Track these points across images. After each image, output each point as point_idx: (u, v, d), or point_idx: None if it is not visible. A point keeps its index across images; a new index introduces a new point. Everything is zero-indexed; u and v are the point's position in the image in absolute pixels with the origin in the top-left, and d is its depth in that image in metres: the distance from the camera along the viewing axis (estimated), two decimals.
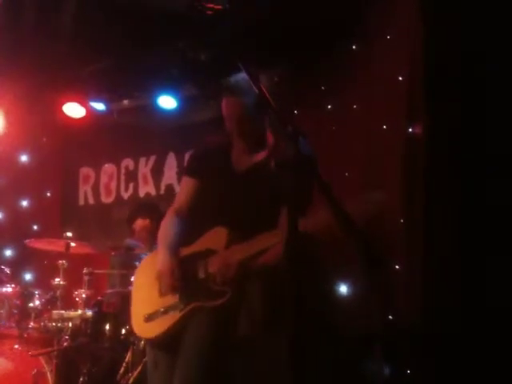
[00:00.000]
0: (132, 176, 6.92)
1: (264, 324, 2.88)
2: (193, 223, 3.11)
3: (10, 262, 6.36)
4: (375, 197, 2.69)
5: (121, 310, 4.74)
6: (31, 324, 4.80)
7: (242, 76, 2.96)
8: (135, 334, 3.27)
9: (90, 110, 6.57)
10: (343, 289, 4.75)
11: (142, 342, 4.42)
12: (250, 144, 3.06)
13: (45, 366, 4.63)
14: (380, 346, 4.19)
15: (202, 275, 2.93)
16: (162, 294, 3.01)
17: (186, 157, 5.92)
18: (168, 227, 3.11)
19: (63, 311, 4.78)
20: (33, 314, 4.83)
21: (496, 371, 3.45)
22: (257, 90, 2.20)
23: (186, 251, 3.01)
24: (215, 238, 2.95)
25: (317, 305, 4.34)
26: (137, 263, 4.74)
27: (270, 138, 3.09)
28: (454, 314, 3.68)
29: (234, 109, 2.99)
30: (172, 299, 2.98)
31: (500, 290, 3.52)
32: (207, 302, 2.89)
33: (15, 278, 5.42)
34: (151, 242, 5.07)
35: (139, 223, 5.32)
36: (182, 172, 3.38)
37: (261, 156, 3.06)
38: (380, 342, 4.20)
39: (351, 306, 4.64)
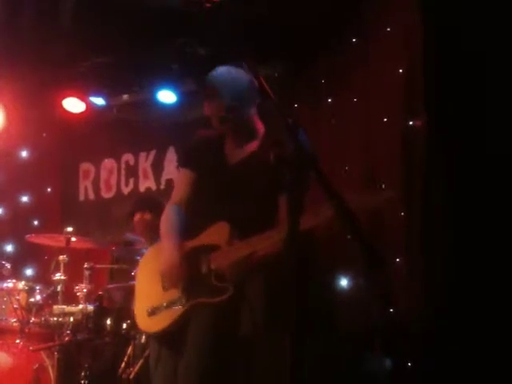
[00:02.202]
0: (132, 171, 6.91)
1: (265, 322, 2.88)
2: (193, 217, 3.11)
3: (11, 258, 6.36)
4: (380, 194, 2.69)
5: (121, 305, 4.75)
6: (32, 319, 4.80)
7: (218, 73, 2.99)
8: (137, 328, 3.28)
9: (89, 105, 6.56)
10: (344, 284, 4.76)
11: (143, 337, 4.43)
12: (240, 136, 3.07)
13: (46, 360, 4.64)
14: (380, 341, 4.20)
15: (204, 270, 2.93)
16: (165, 288, 3.02)
17: None
18: (170, 218, 3.11)
19: (64, 306, 4.78)
20: (34, 309, 4.84)
21: (495, 366, 3.46)
22: (257, 84, 2.21)
23: (188, 245, 3.01)
24: (218, 233, 2.95)
25: (317, 301, 4.34)
26: (137, 258, 4.74)
27: (260, 126, 3.10)
28: (454, 308, 3.68)
29: (213, 109, 3.01)
30: (175, 294, 2.98)
31: (500, 284, 3.52)
32: (209, 299, 2.89)
33: (16, 273, 5.42)
34: (151, 236, 5.06)
35: (139, 217, 5.31)
36: (179, 162, 3.39)
37: (252, 146, 3.06)
38: (380, 338, 4.21)
39: (352, 302, 4.64)
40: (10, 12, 5.11)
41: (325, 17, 4.92)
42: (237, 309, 2.91)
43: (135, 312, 3.15)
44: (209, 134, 3.20)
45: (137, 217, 5.31)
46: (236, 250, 2.87)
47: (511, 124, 3.57)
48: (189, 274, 2.94)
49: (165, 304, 2.99)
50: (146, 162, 6.85)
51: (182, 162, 3.25)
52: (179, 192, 3.17)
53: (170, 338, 3.00)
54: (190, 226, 3.08)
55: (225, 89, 2.95)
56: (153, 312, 3.03)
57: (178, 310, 2.95)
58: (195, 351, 2.88)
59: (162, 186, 6.66)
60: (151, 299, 3.05)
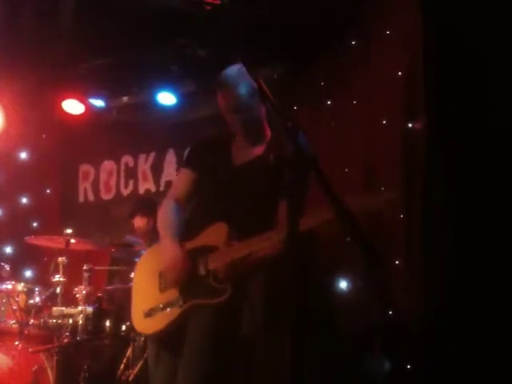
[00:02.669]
0: (132, 173, 6.91)
1: (265, 322, 2.87)
2: (193, 216, 3.10)
3: (10, 259, 6.35)
4: (380, 195, 2.68)
5: (121, 307, 4.75)
6: (31, 321, 4.79)
7: (233, 68, 3.00)
8: (135, 329, 3.27)
9: (89, 107, 6.56)
10: (343, 285, 4.76)
11: (142, 339, 4.43)
12: (249, 136, 3.07)
13: (45, 362, 4.63)
14: (380, 342, 4.20)
15: (202, 272, 2.92)
16: (161, 289, 3.01)
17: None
18: (169, 217, 3.08)
19: (63, 308, 4.77)
20: (33, 311, 4.83)
21: (495, 366, 3.46)
22: (256, 86, 2.21)
23: (187, 246, 3.00)
24: (216, 233, 2.93)
25: (317, 301, 4.34)
26: (136, 259, 4.74)
27: (268, 131, 3.10)
28: (454, 308, 3.68)
29: (229, 100, 3.00)
30: (172, 295, 2.97)
31: (500, 284, 3.53)
32: (207, 300, 2.88)
33: (15, 274, 5.41)
34: (151, 237, 5.07)
35: (138, 220, 5.31)
36: (181, 163, 3.36)
37: (259, 150, 3.06)
38: (380, 338, 4.21)
39: (351, 303, 4.64)
40: (9, 12, 5.11)
41: (325, 19, 4.92)
42: (237, 309, 2.90)
43: (132, 312, 3.14)
44: (217, 135, 3.19)
45: (137, 219, 5.31)
46: (234, 251, 2.86)
47: (511, 124, 3.57)
48: (187, 275, 2.93)
49: (161, 305, 2.98)
50: (145, 163, 6.85)
51: (186, 162, 3.22)
52: (178, 189, 3.15)
53: (168, 339, 2.99)
54: (189, 226, 3.07)
55: (242, 82, 2.95)
56: (149, 313, 3.01)
57: (174, 311, 2.94)
58: (195, 351, 2.87)
59: (162, 188, 6.66)
60: (148, 300, 3.04)
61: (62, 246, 4.93)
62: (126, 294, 4.57)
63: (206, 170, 3.09)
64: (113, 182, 7.02)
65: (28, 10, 5.13)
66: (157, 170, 6.74)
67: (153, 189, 6.76)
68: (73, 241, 4.97)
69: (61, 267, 4.83)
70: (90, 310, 4.75)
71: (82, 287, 4.85)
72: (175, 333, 2.93)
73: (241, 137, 3.08)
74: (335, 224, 2.35)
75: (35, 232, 6.45)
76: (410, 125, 4.32)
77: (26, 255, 6.55)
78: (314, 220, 2.59)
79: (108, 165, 7.06)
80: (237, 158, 3.07)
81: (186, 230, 3.06)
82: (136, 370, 4.43)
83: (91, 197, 7.13)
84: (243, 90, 2.96)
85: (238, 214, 2.92)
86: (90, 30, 5.22)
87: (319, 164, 2.00)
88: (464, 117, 3.79)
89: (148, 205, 5.49)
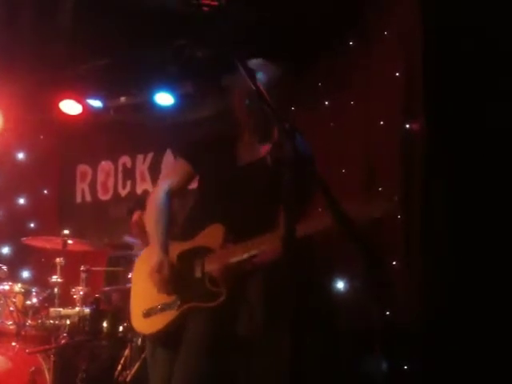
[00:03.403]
0: (129, 173, 6.90)
1: (264, 324, 2.87)
2: (192, 216, 3.09)
3: (7, 260, 6.34)
4: (381, 203, 2.66)
5: (118, 308, 4.74)
6: (29, 322, 4.79)
7: (256, 60, 2.94)
8: (133, 329, 3.26)
9: (86, 107, 6.55)
10: (342, 287, 4.75)
11: (140, 340, 4.42)
12: (257, 136, 3.02)
13: (42, 363, 4.62)
14: (379, 343, 4.20)
15: (198, 274, 2.91)
16: (160, 290, 3.00)
17: None
18: (159, 209, 3.05)
19: (61, 309, 4.77)
20: (30, 312, 4.83)
21: (494, 367, 3.46)
22: (254, 88, 2.20)
23: (184, 247, 2.98)
24: (212, 235, 2.92)
25: (317, 302, 4.34)
26: (134, 260, 4.73)
27: (275, 134, 3.04)
28: (452, 310, 3.68)
29: (243, 92, 2.92)
30: (170, 296, 2.96)
31: (500, 284, 3.53)
32: (203, 303, 2.87)
33: (12, 275, 5.41)
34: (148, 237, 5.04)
35: (138, 215, 5.27)
36: (179, 153, 3.28)
37: (265, 149, 3.02)
38: (379, 339, 4.21)
39: (350, 304, 4.63)
40: (8, 12, 5.10)
41: (323, 19, 4.91)
42: (236, 309, 2.89)
43: (131, 312, 3.13)
44: (220, 133, 3.15)
45: (136, 215, 5.28)
46: (229, 254, 2.84)
47: (511, 124, 3.58)
48: (182, 277, 2.92)
49: (159, 306, 2.97)
50: (143, 164, 6.84)
51: (182, 154, 3.17)
52: (174, 180, 3.10)
53: (166, 340, 2.98)
54: (189, 224, 3.05)
55: (264, 73, 2.87)
56: (148, 314, 3.01)
57: (172, 312, 2.93)
58: (193, 351, 2.86)
59: None
60: (146, 300, 3.03)
61: (60, 246, 4.92)
62: (124, 295, 4.58)
63: (207, 168, 3.05)
64: (110, 183, 7.01)
65: (27, 10, 5.13)
66: (155, 170, 6.72)
67: (151, 189, 6.71)
68: (70, 242, 4.97)
69: (58, 268, 4.83)
70: (87, 311, 4.75)
71: (80, 288, 4.85)
72: (173, 333, 2.92)
73: (247, 136, 3.04)
74: (334, 226, 2.34)
75: (32, 233, 6.44)
76: (408, 125, 4.32)
77: (24, 256, 6.54)
78: (313, 220, 2.58)
79: (106, 165, 7.05)
80: (242, 157, 3.02)
81: (186, 228, 3.05)
82: (133, 370, 4.41)
83: (89, 197, 7.11)
84: (263, 81, 2.85)
85: (238, 215, 2.90)
86: (88, 30, 5.21)
87: (316, 165, 1.99)
88: (463, 117, 3.79)
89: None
